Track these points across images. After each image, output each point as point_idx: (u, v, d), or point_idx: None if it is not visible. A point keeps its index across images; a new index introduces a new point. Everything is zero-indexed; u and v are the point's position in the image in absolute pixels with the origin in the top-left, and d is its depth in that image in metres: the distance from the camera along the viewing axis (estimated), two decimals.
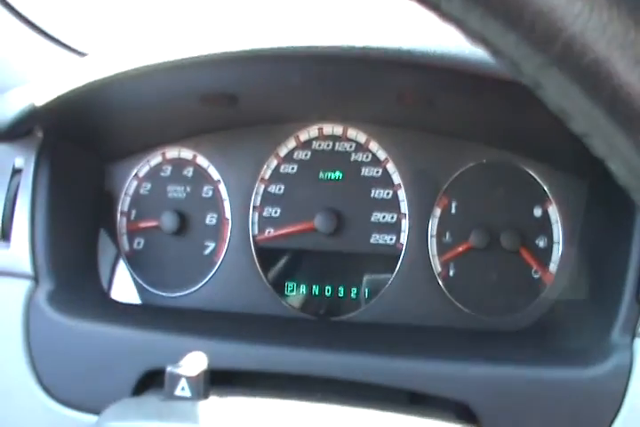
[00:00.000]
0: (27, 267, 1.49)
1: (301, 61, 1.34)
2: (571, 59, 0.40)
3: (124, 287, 1.75)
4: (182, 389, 1.09)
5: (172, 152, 1.77)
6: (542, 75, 0.42)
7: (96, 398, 1.37)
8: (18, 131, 1.53)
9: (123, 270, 1.77)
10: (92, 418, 1.35)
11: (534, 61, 0.41)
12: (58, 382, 1.42)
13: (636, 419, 1.21)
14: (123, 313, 1.58)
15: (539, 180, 1.60)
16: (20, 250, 1.50)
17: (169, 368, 1.10)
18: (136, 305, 1.73)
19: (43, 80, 1.50)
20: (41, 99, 1.42)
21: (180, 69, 1.34)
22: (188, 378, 1.09)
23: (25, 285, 1.48)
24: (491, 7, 0.40)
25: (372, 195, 1.67)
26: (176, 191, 1.75)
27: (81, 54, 1.79)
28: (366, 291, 1.65)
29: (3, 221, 1.52)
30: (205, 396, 1.10)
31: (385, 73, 1.36)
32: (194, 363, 1.12)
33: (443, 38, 1.20)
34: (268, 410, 1.10)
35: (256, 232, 1.71)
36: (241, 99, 1.54)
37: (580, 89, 0.41)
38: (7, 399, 1.43)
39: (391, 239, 1.65)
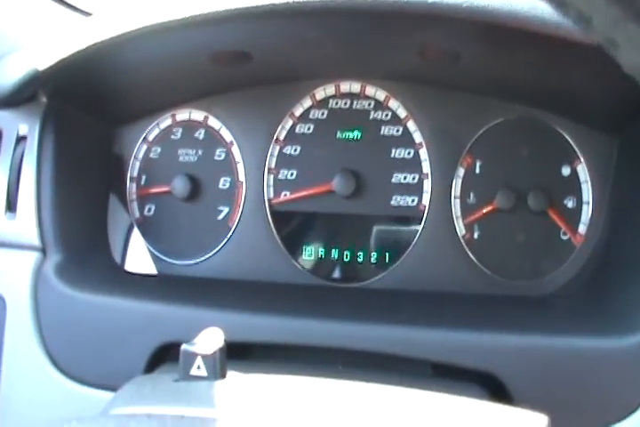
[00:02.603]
0: (34, 239, 1.45)
1: (318, 16, 1.27)
2: None
3: (137, 256, 1.71)
4: (198, 367, 1.04)
5: (183, 114, 1.71)
6: (618, 31, 0.35)
7: (108, 373, 1.34)
8: (21, 96, 1.46)
9: (136, 239, 1.72)
10: (103, 394, 1.32)
11: (609, 16, 0.34)
12: (68, 357, 1.38)
13: None
14: (134, 285, 1.53)
15: (567, 137, 1.54)
16: (26, 221, 1.46)
17: (183, 346, 1.05)
18: (147, 276, 1.69)
19: (45, 42, 1.44)
20: (44, 62, 1.37)
21: (191, 27, 1.28)
22: (204, 356, 1.04)
23: (33, 257, 1.44)
24: None
25: (392, 155, 1.61)
26: (187, 155, 1.70)
27: (85, 14, 1.73)
28: (387, 255, 1.60)
29: (8, 192, 1.48)
30: (222, 375, 1.05)
31: (408, 28, 1.29)
32: (209, 340, 1.07)
33: None
34: (287, 389, 1.05)
35: (271, 195, 1.66)
36: (255, 56, 1.47)
37: None
38: (17, 374, 1.40)
39: (413, 201, 1.60)
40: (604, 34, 0.37)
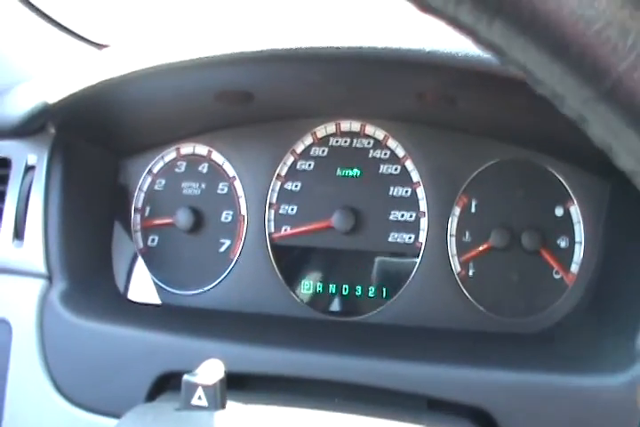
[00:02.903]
0: (40, 266, 1.48)
1: (319, 62, 1.31)
2: (622, 96, 0.37)
3: (140, 285, 1.74)
4: (199, 398, 1.07)
5: (187, 148, 1.75)
6: (588, 110, 0.39)
7: (110, 400, 1.36)
8: (30, 127, 1.51)
9: (140, 268, 1.75)
10: (106, 421, 1.34)
11: (580, 96, 0.38)
12: (72, 384, 1.41)
13: None
14: (136, 314, 1.56)
15: (560, 179, 1.57)
16: (33, 249, 1.49)
17: (185, 377, 1.08)
18: (150, 305, 1.72)
19: (56, 74, 1.48)
20: (54, 95, 1.41)
21: (197, 69, 1.32)
22: (205, 387, 1.07)
23: (39, 284, 1.47)
24: (535, 37, 0.38)
25: (390, 193, 1.64)
26: (191, 188, 1.73)
27: (97, 46, 1.76)
28: (384, 290, 1.63)
29: (16, 220, 1.51)
30: (222, 405, 1.08)
31: (407, 74, 1.33)
32: (210, 371, 1.10)
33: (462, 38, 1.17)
34: (284, 421, 1.08)
35: (272, 230, 1.69)
36: (257, 96, 1.51)
37: (631, 128, 0.38)
38: (21, 400, 1.42)
39: (410, 238, 1.63)
40: (575, 111, 0.41)
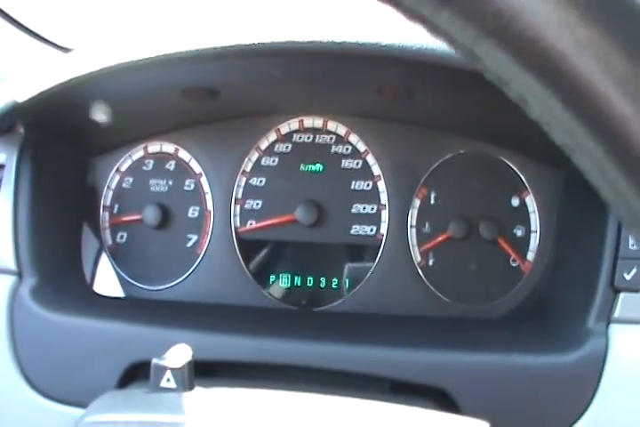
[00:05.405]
0: (10, 263, 1.50)
1: (281, 57, 1.35)
2: (500, 30, 0.41)
3: (107, 281, 1.77)
4: (167, 380, 1.11)
5: (154, 146, 1.78)
6: (477, 47, 0.44)
7: (81, 391, 1.37)
8: None
9: (105, 264, 1.78)
10: (78, 411, 1.34)
11: (468, 35, 0.43)
12: (43, 377, 1.43)
13: (611, 403, 1.24)
14: (106, 307, 1.59)
15: (516, 170, 1.62)
16: (3, 246, 1.51)
17: (154, 360, 1.11)
18: (120, 299, 1.75)
19: (24, 75, 1.51)
20: (22, 94, 1.43)
21: (162, 65, 1.35)
22: (173, 370, 1.10)
23: (9, 280, 1.49)
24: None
25: (352, 186, 1.69)
26: (158, 185, 1.76)
27: (63, 49, 1.80)
28: (347, 281, 1.67)
29: None
30: (190, 387, 1.11)
31: (365, 68, 1.38)
32: (178, 355, 1.13)
33: (419, 31, 1.22)
34: (252, 400, 1.12)
35: (238, 224, 1.72)
36: (222, 92, 1.55)
37: (512, 59, 0.43)
38: None
39: (371, 230, 1.67)
40: (518, 94, 0.46)
